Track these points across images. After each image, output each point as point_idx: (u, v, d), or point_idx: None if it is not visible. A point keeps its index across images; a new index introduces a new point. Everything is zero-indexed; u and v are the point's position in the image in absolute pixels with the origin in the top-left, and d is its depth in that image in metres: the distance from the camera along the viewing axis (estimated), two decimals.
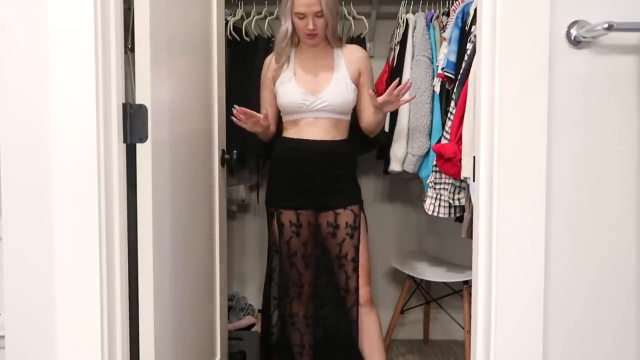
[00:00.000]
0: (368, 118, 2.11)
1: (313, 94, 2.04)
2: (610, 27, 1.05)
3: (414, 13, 2.39)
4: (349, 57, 2.10)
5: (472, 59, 1.75)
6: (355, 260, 2.06)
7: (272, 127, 2.17)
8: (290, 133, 2.10)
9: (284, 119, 2.14)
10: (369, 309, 2.09)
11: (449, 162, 1.89)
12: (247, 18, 2.51)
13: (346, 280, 2.06)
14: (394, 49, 2.46)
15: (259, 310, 2.80)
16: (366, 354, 2.09)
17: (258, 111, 2.06)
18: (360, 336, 2.08)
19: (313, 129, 2.06)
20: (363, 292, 2.08)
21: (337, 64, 2.08)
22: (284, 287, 2.12)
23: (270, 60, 2.15)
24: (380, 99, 1.94)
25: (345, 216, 2.06)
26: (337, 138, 2.08)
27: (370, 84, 2.14)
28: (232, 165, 2.06)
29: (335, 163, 2.08)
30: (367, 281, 2.10)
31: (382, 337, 2.15)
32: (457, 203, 2.00)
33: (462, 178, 1.87)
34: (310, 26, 1.98)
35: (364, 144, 2.31)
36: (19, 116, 1.16)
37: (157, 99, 1.39)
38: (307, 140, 2.06)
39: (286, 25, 2.03)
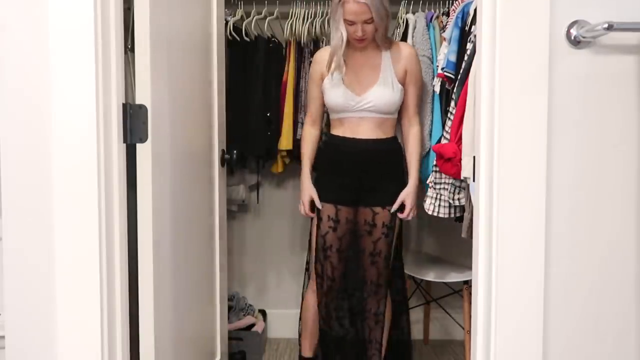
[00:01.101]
0: (406, 138, 2.17)
1: (358, 95, 2.06)
2: (610, 27, 1.05)
3: (414, 13, 2.39)
4: (396, 57, 2.09)
5: (472, 59, 1.74)
6: (388, 257, 2.10)
7: (317, 126, 2.22)
8: (337, 131, 2.14)
9: (331, 116, 2.17)
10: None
11: (449, 162, 1.89)
12: (247, 18, 2.51)
13: (377, 276, 2.11)
14: None
15: (259, 310, 2.82)
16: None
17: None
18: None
19: (357, 128, 2.09)
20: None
21: (384, 64, 2.08)
22: (317, 279, 2.15)
23: (320, 57, 2.14)
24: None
25: (382, 216, 2.09)
26: (382, 137, 2.10)
27: (415, 83, 2.12)
28: (232, 165, 2.06)
29: (378, 161, 2.11)
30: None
31: (389, 324, 2.22)
32: (457, 203, 2.00)
33: (462, 178, 1.87)
34: (359, 33, 1.98)
35: None
36: (19, 116, 1.16)
37: (157, 99, 1.40)
38: (351, 138, 2.09)
39: (340, 32, 2.01)
